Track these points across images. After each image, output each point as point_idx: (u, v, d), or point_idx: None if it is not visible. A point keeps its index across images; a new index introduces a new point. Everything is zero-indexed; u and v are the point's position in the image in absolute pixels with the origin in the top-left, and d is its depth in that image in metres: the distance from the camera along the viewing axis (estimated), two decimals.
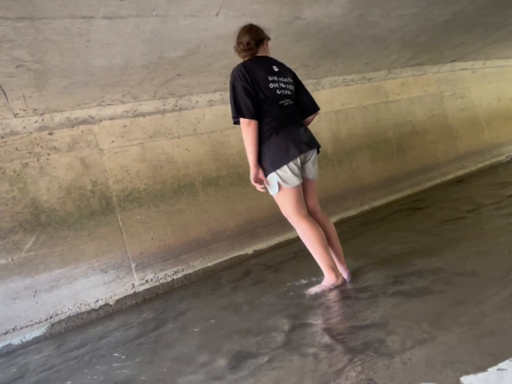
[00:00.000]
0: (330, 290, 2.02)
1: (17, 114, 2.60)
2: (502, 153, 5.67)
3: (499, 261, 1.89)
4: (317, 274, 2.20)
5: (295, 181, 2.00)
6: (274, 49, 3.00)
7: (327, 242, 2.08)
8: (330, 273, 2.04)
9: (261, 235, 3.49)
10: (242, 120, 1.94)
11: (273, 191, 2.05)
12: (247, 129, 1.94)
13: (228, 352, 1.65)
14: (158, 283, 2.99)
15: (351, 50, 3.58)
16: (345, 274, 2.12)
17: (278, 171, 1.98)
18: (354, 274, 2.20)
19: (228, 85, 2.07)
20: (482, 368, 1.11)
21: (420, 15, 3.24)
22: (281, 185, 2.00)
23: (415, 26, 3.45)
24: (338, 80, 4.21)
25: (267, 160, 2.00)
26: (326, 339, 1.55)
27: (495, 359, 1.13)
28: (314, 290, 2.08)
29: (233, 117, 1.99)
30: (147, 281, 2.97)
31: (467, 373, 1.11)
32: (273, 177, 2.01)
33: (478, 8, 3.46)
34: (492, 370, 1.09)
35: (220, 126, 3.49)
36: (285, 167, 1.98)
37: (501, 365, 1.10)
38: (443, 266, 1.99)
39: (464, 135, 5.35)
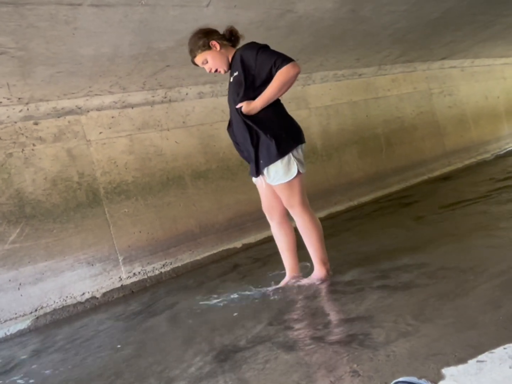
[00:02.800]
0: (319, 284, 2.03)
1: (0, 102, 2.53)
2: (488, 151, 5.78)
3: (482, 255, 1.93)
4: (304, 268, 2.22)
5: (305, 166, 1.98)
6: (265, 42, 2.97)
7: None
8: (322, 267, 2.04)
9: (250, 229, 3.50)
10: (292, 64, 1.78)
11: (289, 176, 1.89)
12: (296, 70, 1.79)
13: (215, 346, 1.65)
14: (145, 276, 2.98)
15: (342, 45, 3.58)
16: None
17: (294, 152, 1.90)
18: (341, 268, 2.23)
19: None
20: (463, 360, 1.14)
21: (411, 12, 3.25)
22: (299, 170, 1.90)
23: (406, 23, 3.47)
24: (329, 75, 4.21)
25: (283, 137, 1.88)
26: (312, 332, 1.56)
27: (476, 351, 1.16)
28: (303, 282, 2.08)
29: (284, 60, 1.80)
30: (134, 274, 2.95)
31: (448, 364, 1.13)
32: (290, 160, 1.89)
33: (468, 6, 3.49)
34: (472, 361, 1.12)
35: (210, 119, 3.46)
36: (299, 148, 1.94)
37: (481, 357, 1.13)
38: (428, 261, 2.03)
39: (452, 132, 5.43)
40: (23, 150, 2.67)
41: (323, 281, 2.04)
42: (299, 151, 1.94)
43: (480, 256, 1.93)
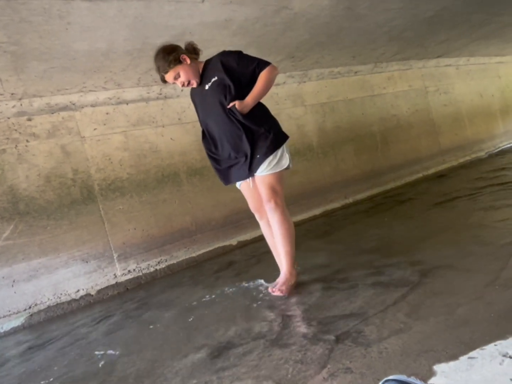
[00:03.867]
0: (283, 291, 1.93)
1: None
2: (482, 149, 5.82)
3: (475, 253, 1.95)
4: (299, 265, 2.22)
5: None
6: (260, 39, 2.97)
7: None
8: (293, 268, 2.01)
9: (245, 226, 3.50)
10: (272, 65, 1.93)
11: (280, 167, 1.95)
12: (277, 71, 1.94)
13: (209, 342, 1.66)
14: (140, 274, 2.97)
15: (338, 42, 3.57)
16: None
17: (286, 144, 1.99)
18: (336, 264, 2.24)
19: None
20: (454, 357, 1.15)
21: (407, 10, 3.25)
22: (289, 163, 1.98)
23: (402, 21, 3.47)
24: (325, 72, 4.21)
25: (277, 129, 1.99)
26: (306, 328, 1.57)
27: (467, 348, 1.18)
28: (270, 290, 1.99)
29: (265, 62, 1.93)
30: (129, 271, 2.94)
31: (440, 361, 1.15)
32: (284, 152, 1.97)
33: (463, 5, 3.50)
34: (463, 358, 1.13)
35: None
36: (286, 143, 2.00)
37: (472, 353, 1.14)
38: (422, 258, 2.04)
39: (447, 131, 5.46)
40: (16, 146, 2.65)
41: (285, 291, 1.93)
42: (286, 145, 2.02)
43: (473, 254, 1.95)
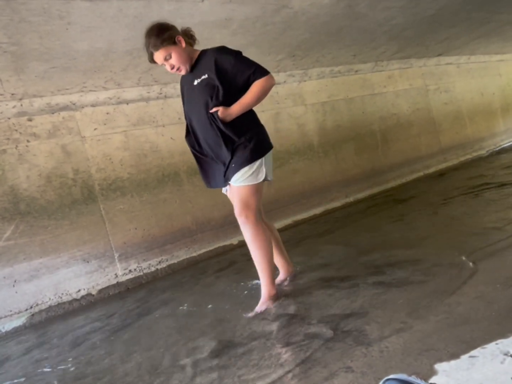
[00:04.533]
0: (262, 312, 1.83)
1: None
2: (483, 148, 5.81)
3: (476, 252, 1.94)
4: (299, 264, 2.23)
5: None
6: (261, 38, 2.96)
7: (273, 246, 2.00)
8: (273, 285, 1.91)
9: None
10: (270, 75, 1.79)
11: (255, 180, 1.82)
12: (273, 83, 1.79)
13: (210, 341, 1.66)
14: (141, 273, 2.97)
15: (339, 41, 3.57)
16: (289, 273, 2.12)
17: (266, 157, 1.84)
18: (337, 264, 2.24)
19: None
20: (455, 356, 1.15)
21: (407, 9, 3.25)
22: (266, 176, 1.85)
23: (402, 19, 3.46)
24: (325, 71, 4.20)
25: (260, 139, 1.85)
26: (306, 327, 1.57)
27: (468, 347, 1.18)
28: (258, 309, 1.86)
29: (263, 71, 1.79)
30: (130, 271, 2.94)
31: (441, 360, 1.15)
32: (262, 165, 1.83)
33: (463, 3, 3.49)
34: (464, 357, 1.13)
35: None
36: (269, 154, 1.88)
37: (473, 352, 1.14)
38: (423, 257, 2.04)
39: (447, 129, 5.45)
40: (17, 146, 2.65)
41: (264, 311, 1.83)
42: (269, 157, 1.89)
43: (474, 252, 1.94)
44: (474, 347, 1.17)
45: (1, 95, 2.50)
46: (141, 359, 1.66)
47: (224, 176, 1.85)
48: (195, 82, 1.83)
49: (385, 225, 3.00)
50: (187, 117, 1.95)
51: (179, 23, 2.34)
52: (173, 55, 1.78)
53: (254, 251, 1.87)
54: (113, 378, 1.56)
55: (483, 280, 1.60)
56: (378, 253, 2.29)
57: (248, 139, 1.82)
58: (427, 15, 3.53)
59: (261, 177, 1.84)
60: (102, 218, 2.88)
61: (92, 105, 2.92)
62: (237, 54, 1.81)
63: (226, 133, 1.79)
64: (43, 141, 2.74)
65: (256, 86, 1.77)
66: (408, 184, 4.59)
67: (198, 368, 1.47)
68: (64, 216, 2.74)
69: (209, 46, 2.76)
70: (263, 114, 3.78)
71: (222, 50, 1.81)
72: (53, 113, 2.78)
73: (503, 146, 5.99)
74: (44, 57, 2.23)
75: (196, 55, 1.86)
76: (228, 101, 1.78)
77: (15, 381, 1.74)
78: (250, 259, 1.95)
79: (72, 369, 1.73)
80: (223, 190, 2.01)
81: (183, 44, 1.80)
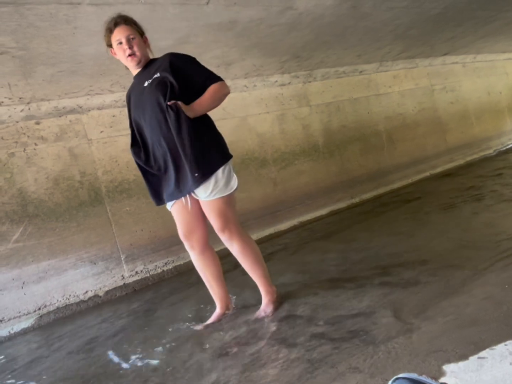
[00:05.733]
0: (267, 317, 1.79)
1: (2, 102, 2.53)
2: (490, 147, 5.75)
3: (484, 253, 1.93)
4: (306, 265, 2.22)
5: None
6: (265, 40, 2.97)
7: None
8: (271, 284, 1.87)
9: (252, 227, 3.50)
10: (224, 82, 1.75)
11: (229, 189, 1.71)
12: (228, 90, 1.75)
13: (216, 342, 1.66)
14: (148, 275, 2.99)
15: (343, 41, 3.56)
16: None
17: (231, 164, 1.74)
18: (343, 264, 2.23)
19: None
20: (464, 357, 1.14)
21: (412, 8, 3.23)
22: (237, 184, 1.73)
23: (406, 19, 3.45)
24: (330, 72, 4.20)
25: (223, 145, 1.75)
26: (313, 327, 1.57)
27: (476, 348, 1.17)
28: (254, 316, 1.83)
29: (218, 76, 1.74)
30: (137, 272, 2.96)
31: (449, 361, 1.14)
32: (231, 170, 1.73)
33: (468, 2, 3.47)
34: (473, 358, 1.12)
35: (211, 116, 3.45)
36: (231, 162, 1.75)
37: (482, 353, 1.13)
38: (430, 258, 2.03)
39: (454, 129, 5.41)
40: (25, 149, 2.68)
41: (268, 313, 1.79)
42: (232, 165, 1.78)
43: (482, 253, 1.93)
44: (483, 348, 1.16)
45: (10, 99, 2.53)
46: (148, 360, 1.66)
47: (186, 185, 1.68)
48: (146, 83, 1.72)
49: (391, 226, 2.98)
50: (133, 124, 1.81)
51: (184, 26, 2.36)
52: (137, 41, 1.72)
53: (246, 260, 1.81)
54: (120, 379, 1.57)
55: (492, 281, 1.58)
56: (385, 253, 2.28)
57: (209, 142, 1.72)
58: (432, 14, 3.51)
59: (234, 184, 1.72)
60: (108, 220, 2.90)
61: (99, 108, 2.95)
62: (193, 58, 1.78)
63: (189, 130, 1.64)
64: (50, 144, 2.77)
65: (214, 89, 1.70)
66: (414, 184, 4.56)
67: (204, 367, 1.47)
68: (71, 218, 2.77)
69: (214, 49, 2.78)
70: (268, 115, 3.80)
71: (176, 53, 1.78)
72: (60, 117, 2.81)
73: (510, 145, 5.93)
74: (51, 61, 2.26)
75: (148, 60, 1.80)
76: (184, 100, 1.67)
77: (24, 381, 1.76)
78: None
79: (79, 370, 1.74)
80: (168, 206, 1.84)
81: (147, 43, 1.80)
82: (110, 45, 1.76)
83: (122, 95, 3.01)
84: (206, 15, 2.29)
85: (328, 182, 4.09)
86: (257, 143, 3.67)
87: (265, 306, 1.84)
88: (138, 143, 1.79)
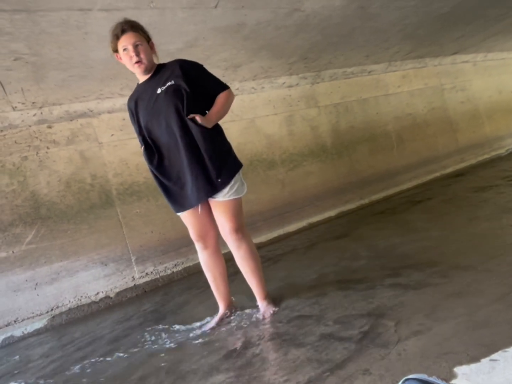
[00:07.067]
0: (266, 318, 1.82)
1: (15, 107, 2.59)
2: (502, 146, 5.66)
3: (494, 254, 1.90)
4: (315, 266, 2.22)
5: None
6: (273, 41, 2.97)
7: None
8: (264, 301, 1.89)
9: (260, 228, 3.51)
10: (231, 90, 1.83)
11: (241, 191, 1.80)
12: (233, 98, 1.84)
13: (225, 343, 1.67)
14: (158, 276, 3.02)
15: (351, 42, 3.56)
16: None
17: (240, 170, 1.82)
18: (353, 266, 2.21)
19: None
20: (475, 359, 1.13)
21: (420, 7, 3.21)
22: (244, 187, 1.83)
23: (415, 18, 3.43)
24: (338, 72, 4.19)
25: (233, 154, 1.83)
26: (322, 329, 1.57)
27: (488, 350, 1.15)
28: (256, 316, 1.86)
29: (224, 84, 1.82)
30: (147, 274, 2.99)
31: (461, 363, 1.12)
32: (241, 175, 1.83)
33: (478, 0, 3.43)
34: (485, 360, 1.11)
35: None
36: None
37: (494, 355, 1.12)
38: (440, 259, 2.01)
39: (464, 128, 5.34)
40: (37, 153, 2.73)
41: (267, 316, 1.83)
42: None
43: (493, 255, 1.90)
44: (494, 350, 1.14)
45: (23, 104, 2.59)
46: (158, 362, 1.68)
47: (206, 190, 1.72)
48: (159, 90, 1.73)
49: (401, 227, 2.96)
50: (146, 130, 1.79)
51: (193, 30, 2.39)
52: (143, 47, 1.72)
53: (250, 263, 1.86)
54: (131, 379, 1.58)
55: (503, 282, 1.56)
56: (394, 255, 2.26)
57: (227, 150, 1.82)
58: (440, 13, 3.48)
59: (245, 189, 1.83)
60: (119, 222, 2.94)
61: (109, 112, 2.99)
62: (201, 65, 1.82)
63: (208, 138, 1.72)
64: (62, 148, 2.82)
65: (225, 97, 1.79)
66: (425, 185, 4.51)
67: (214, 368, 1.48)
68: (82, 220, 2.81)
69: (222, 51, 2.80)
70: (276, 117, 3.80)
71: (187, 60, 1.81)
72: (71, 120, 2.86)
73: None
74: (62, 66, 2.31)
75: (155, 66, 1.80)
76: (198, 108, 1.74)
77: (37, 381, 1.79)
78: (265, 261, 1.95)
79: (91, 371, 1.76)
80: (180, 213, 1.86)
81: (154, 49, 1.80)
82: (116, 51, 1.78)
83: None
84: (214, 18, 2.31)
85: (336, 183, 4.07)
86: (265, 144, 3.68)
87: (267, 308, 1.87)
88: (152, 149, 1.79)
